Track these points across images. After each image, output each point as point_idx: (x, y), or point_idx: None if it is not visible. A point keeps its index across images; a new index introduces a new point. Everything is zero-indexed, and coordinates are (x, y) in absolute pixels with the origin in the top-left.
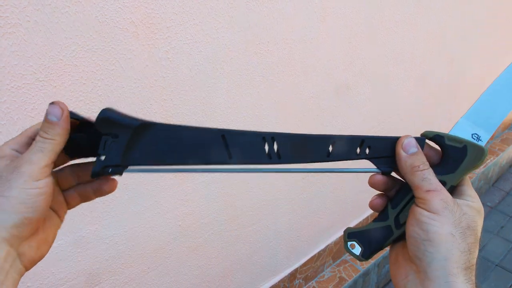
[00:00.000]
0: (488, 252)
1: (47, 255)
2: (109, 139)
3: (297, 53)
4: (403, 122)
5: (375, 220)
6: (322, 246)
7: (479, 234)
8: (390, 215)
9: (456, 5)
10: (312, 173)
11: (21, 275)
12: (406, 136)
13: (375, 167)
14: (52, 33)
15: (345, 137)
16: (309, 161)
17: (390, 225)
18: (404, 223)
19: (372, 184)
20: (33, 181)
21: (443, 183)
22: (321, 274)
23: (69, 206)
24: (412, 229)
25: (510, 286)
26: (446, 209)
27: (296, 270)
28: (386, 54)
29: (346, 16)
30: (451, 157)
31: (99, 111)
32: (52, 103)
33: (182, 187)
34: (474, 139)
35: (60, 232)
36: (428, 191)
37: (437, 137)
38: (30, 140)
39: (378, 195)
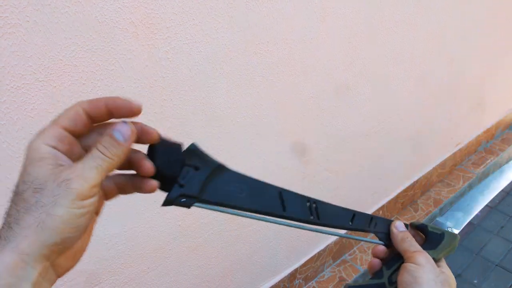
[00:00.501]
0: (488, 252)
1: None
2: (191, 170)
3: (297, 53)
4: (403, 122)
5: (371, 278)
6: (322, 246)
7: None
8: (384, 274)
9: (456, 5)
10: (312, 174)
11: (53, 283)
12: (397, 220)
13: (377, 239)
14: (52, 33)
15: (363, 214)
16: (337, 226)
17: (384, 282)
18: (396, 281)
19: (374, 252)
20: (80, 201)
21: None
22: (321, 274)
23: (106, 199)
24: (403, 278)
25: (510, 286)
26: (428, 263)
27: (296, 270)
28: (386, 54)
29: (346, 16)
30: (433, 239)
31: (189, 144)
32: (124, 121)
33: None
34: (449, 229)
35: None
36: (415, 251)
37: (422, 226)
38: (64, 133)
39: (375, 259)
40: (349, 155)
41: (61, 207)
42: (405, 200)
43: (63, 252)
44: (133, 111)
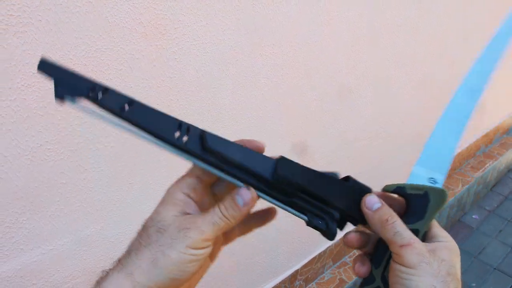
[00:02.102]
0: (486, 256)
1: (52, 253)
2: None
3: (301, 56)
4: (404, 125)
5: (361, 285)
6: (323, 248)
7: (459, 274)
8: (376, 276)
9: (457, 8)
10: None
11: None
12: (367, 195)
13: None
14: (63, 33)
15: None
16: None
17: (379, 286)
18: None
19: (347, 242)
20: (193, 249)
21: (416, 231)
22: (321, 276)
23: (226, 242)
24: (393, 283)
25: None
26: (422, 262)
27: (296, 272)
28: (388, 57)
29: (349, 20)
30: (416, 204)
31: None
32: (248, 187)
33: None
34: (432, 183)
35: (65, 231)
36: (402, 246)
37: (398, 189)
38: (199, 181)
39: (359, 261)
40: (350, 157)
41: (175, 251)
42: None
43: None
44: (259, 149)
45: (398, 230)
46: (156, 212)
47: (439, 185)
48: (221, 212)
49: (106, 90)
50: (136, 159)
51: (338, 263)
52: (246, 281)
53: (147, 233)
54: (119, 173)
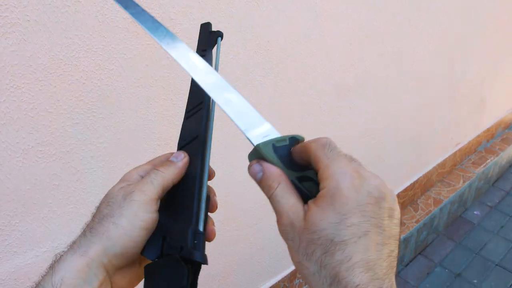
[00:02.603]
0: (488, 252)
1: (46, 255)
2: None
3: (298, 53)
4: (403, 122)
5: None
6: None
7: (354, 218)
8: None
9: (457, 6)
10: None
11: None
12: (251, 163)
13: None
14: (52, 33)
15: None
16: None
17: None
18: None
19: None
20: (142, 213)
21: (309, 178)
22: None
23: None
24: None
25: (510, 286)
26: (288, 236)
27: (296, 270)
28: (387, 55)
29: (347, 17)
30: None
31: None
32: (180, 151)
33: None
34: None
35: (58, 232)
36: (277, 220)
37: (264, 147)
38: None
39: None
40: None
41: (124, 218)
42: (405, 199)
43: (120, 267)
44: (208, 175)
45: (278, 199)
46: (108, 191)
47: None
48: (155, 169)
49: None
50: (129, 159)
51: None
52: (246, 280)
53: (99, 210)
54: (112, 174)
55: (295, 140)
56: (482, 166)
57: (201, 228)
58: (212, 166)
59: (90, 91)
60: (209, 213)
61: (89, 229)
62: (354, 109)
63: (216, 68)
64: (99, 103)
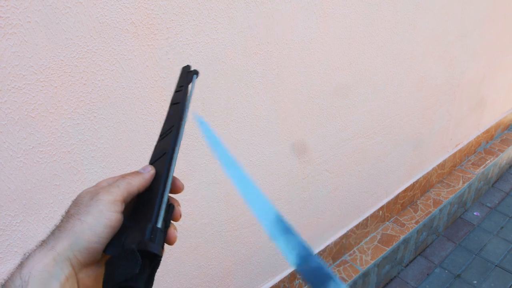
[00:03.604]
0: (488, 253)
1: None
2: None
3: (297, 53)
4: (403, 123)
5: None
6: (322, 247)
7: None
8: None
9: (456, 6)
10: (312, 174)
11: None
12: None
13: None
14: (53, 34)
15: None
16: None
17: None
18: None
19: None
20: (106, 211)
21: None
22: None
23: None
24: None
25: (510, 286)
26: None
27: (296, 270)
28: (386, 54)
29: (346, 17)
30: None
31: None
32: (149, 165)
33: None
34: None
35: None
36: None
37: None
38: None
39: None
40: (349, 155)
41: (90, 215)
42: (405, 200)
43: (85, 263)
44: (177, 187)
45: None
46: (77, 195)
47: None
48: (124, 177)
49: None
50: (130, 159)
51: (337, 262)
52: (245, 280)
53: (67, 211)
54: (112, 174)
55: None
56: (481, 167)
57: (159, 225)
58: (210, 169)
59: (91, 91)
60: (174, 222)
61: (57, 228)
62: (353, 109)
63: (189, 98)
64: (100, 103)
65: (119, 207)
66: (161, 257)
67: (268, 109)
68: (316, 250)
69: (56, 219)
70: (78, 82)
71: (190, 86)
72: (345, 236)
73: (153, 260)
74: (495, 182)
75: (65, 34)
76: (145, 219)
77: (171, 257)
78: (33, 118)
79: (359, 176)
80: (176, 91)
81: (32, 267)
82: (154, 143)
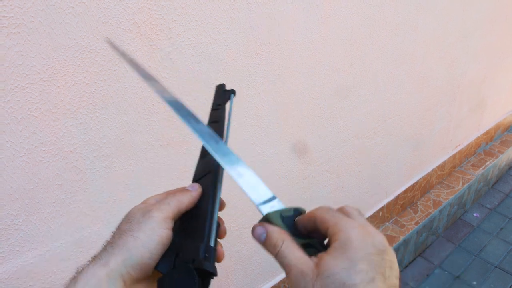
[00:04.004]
0: (487, 254)
1: (49, 255)
2: None
3: (298, 54)
4: (403, 124)
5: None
6: None
7: (370, 277)
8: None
9: (457, 7)
10: (313, 174)
11: None
12: (255, 226)
13: None
14: (56, 34)
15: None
16: None
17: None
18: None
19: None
20: (158, 229)
21: (312, 246)
22: None
23: None
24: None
25: (510, 287)
26: (300, 285)
27: None
28: (386, 55)
29: (347, 18)
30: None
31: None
32: (197, 183)
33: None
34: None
35: (61, 232)
36: (287, 274)
37: (273, 216)
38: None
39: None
40: (349, 156)
41: (143, 233)
42: (405, 201)
43: (137, 279)
44: (221, 204)
45: (285, 255)
46: (128, 212)
47: (280, 205)
48: (173, 194)
49: None
50: (132, 159)
51: None
52: (246, 280)
53: (119, 227)
54: (115, 174)
55: (298, 211)
56: (481, 168)
57: (212, 244)
58: None
59: (93, 91)
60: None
61: (110, 244)
62: (354, 110)
63: (229, 117)
64: (102, 103)
65: (170, 224)
66: (216, 275)
67: (269, 110)
68: None
69: (58, 219)
70: (81, 82)
71: (228, 105)
72: None
73: (206, 278)
74: (495, 183)
75: (68, 34)
76: (197, 237)
77: None
78: (36, 117)
79: (359, 176)
80: (213, 109)
81: (86, 282)
82: (155, 143)
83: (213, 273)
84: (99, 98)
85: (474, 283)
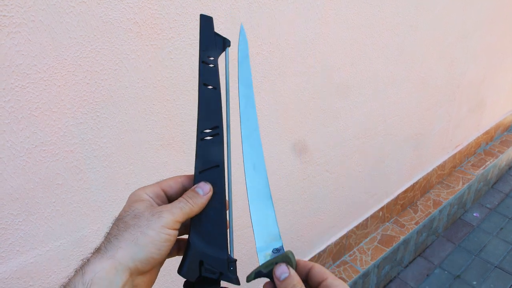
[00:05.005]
0: (487, 254)
1: (49, 254)
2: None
3: (299, 54)
4: (403, 124)
5: None
6: (323, 247)
7: None
8: None
9: (457, 7)
10: (313, 174)
11: None
12: (278, 265)
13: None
14: (57, 33)
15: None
16: None
17: None
18: None
19: None
20: (167, 228)
21: None
22: None
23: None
24: None
25: (510, 287)
26: None
27: None
28: (386, 55)
29: (347, 17)
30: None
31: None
32: (206, 182)
33: None
34: (275, 252)
35: (61, 232)
36: None
37: (260, 273)
38: (162, 192)
39: None
40: (349, 156)
41: (153, 230)
42: (405, 201)
43: (143, 272)
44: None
45: None
46: (128, 206)
47: (283, 250)
48: (185, 199)
49: None
50: (132, 159)
51: (337, 262)
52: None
53: (124, 221)
54: (115, 173)
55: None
56: (481, 168)
57: (233, 256)
58: None
59: (94, 91)
60: None
61: (114, 236)
62: (354, 110)
63: (227, 82)
64: (103, 103)
65: (178, 226)
66: (239, 284)
67: (270, 109)
68: (316, 250)
69: (58, 219)
70: (82, 82)
71: (223, 57)
72: (345, 236)
73: None
74: (495, 183)
75: (69, 33)
76: (219, 246)
77: (172, 259)
78: (36, 117)
79: (360, 176)
80: (203, 62)
81: (93, 274)
82: (155, 143)
83: (238, 284)
84: (99, 98)
85: (474, 283)
